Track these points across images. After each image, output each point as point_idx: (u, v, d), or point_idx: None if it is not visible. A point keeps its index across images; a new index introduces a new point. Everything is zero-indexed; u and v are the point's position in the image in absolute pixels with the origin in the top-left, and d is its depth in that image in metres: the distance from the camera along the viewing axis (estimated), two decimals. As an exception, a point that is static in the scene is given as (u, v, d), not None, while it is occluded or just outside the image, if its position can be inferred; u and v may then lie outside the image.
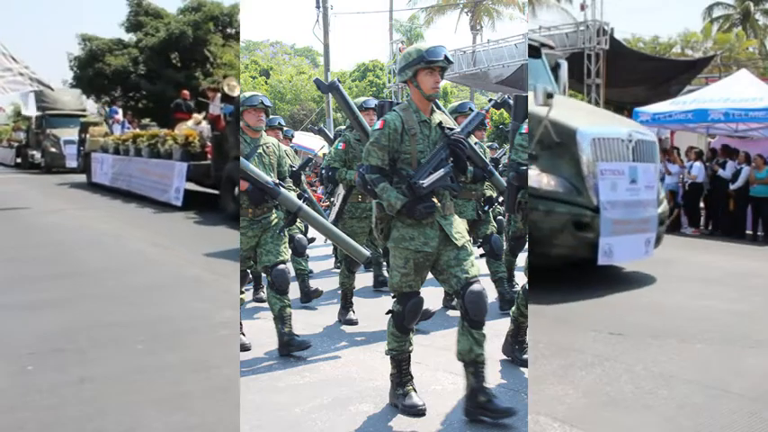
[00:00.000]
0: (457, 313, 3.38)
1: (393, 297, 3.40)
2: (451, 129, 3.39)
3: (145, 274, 6.42)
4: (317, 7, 21.77)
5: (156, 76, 25.35)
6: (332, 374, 4.05)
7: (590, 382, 3.65)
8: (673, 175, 11.49)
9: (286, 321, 4.43)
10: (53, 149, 21.51)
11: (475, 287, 3.21)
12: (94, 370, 3.75)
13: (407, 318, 3.35)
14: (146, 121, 20.04)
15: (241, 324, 4.67)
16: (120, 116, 18.53)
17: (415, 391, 3.43)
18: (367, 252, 4.38)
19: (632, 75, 17.07)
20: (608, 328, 4.82)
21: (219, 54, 25.55)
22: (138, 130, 15.16)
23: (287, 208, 4.42)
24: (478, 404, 3.20)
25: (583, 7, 16.65)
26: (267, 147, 4.65)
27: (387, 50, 29.18)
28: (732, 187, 10.76)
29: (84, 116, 21.82)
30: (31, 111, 24.33)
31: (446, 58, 3.23)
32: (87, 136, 16.74)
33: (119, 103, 19.52)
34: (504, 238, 6.35)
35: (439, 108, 3.63)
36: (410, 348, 3.44)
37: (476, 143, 5.29)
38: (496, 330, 4.22)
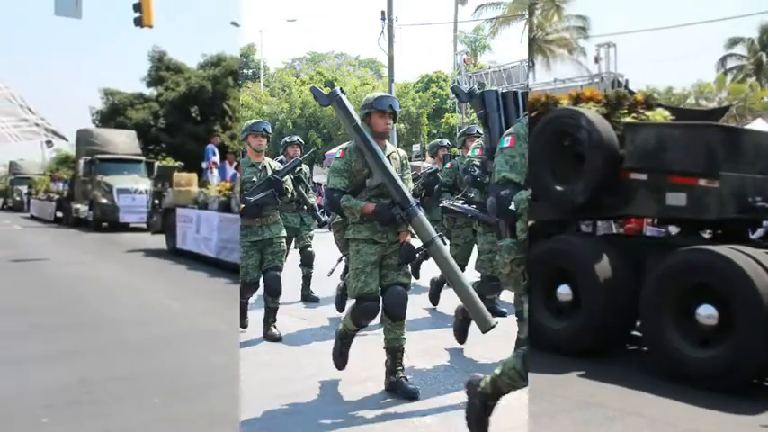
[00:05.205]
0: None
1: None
2: None
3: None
4: (383, 19, 21.67)
5: (176, 129, 25.94)
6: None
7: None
8: None
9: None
10: (104, 200, 17.22)
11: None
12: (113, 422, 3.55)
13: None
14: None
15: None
16: (217, 158, 13.12)
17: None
18: (493, 321, 3.57)
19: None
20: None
21: (238, 108, 26.12)
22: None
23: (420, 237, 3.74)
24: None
25: (597, 60, 16.69)
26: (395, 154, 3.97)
27: (450, 61, 29.20)
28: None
29: (139, 161, 18.82)
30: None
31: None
32: (169, 185, 12.44)
33: (217, 139, 14.35)
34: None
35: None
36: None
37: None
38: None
